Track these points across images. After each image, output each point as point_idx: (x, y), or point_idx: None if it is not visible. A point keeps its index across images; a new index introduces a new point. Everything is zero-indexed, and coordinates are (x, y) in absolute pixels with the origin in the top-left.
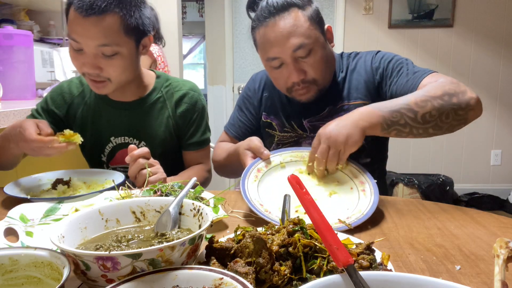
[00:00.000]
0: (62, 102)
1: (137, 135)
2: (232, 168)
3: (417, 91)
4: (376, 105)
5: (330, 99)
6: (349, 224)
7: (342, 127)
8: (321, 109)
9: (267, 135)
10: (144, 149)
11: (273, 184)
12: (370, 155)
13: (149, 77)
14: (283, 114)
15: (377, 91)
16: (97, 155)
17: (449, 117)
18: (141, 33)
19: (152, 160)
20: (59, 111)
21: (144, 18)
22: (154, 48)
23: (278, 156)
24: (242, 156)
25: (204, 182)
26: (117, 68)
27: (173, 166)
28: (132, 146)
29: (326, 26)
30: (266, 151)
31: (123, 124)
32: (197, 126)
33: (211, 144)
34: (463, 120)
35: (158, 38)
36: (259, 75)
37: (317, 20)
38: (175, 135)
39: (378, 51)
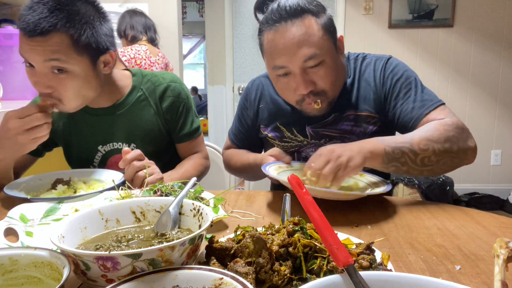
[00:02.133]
0: None
1: (125, 138)
2: (250, 175)
3: (421, 131)
4: (381, 139)
5: (337, 105)
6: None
7: (347, 149)
8: (326, 116)
9: (268, 143)
10: (137, 152)
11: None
12: None
13: (125, 78)
14: (282, 123)
15: (383, 105)
16: (87, 166)
17: (445, 164)
18: (96, 50)
19: (147, 161)
20: None
21: (100, 36)
22: (127, 50)
23: (299, 164)
24: (264, 160)
25: (204, 170)
26: (68, 88)
27: (168, 162)
28: (126, 149)
29: (338, 36)
30: (288, 157)
31: (109, 130)
32: (186, 117)
33: (212, 144)
34: (455, 166)
35: (152, 40)
36: (255, 83)
37: (330, 29)
38: (165, 131)
39: (389, 59)
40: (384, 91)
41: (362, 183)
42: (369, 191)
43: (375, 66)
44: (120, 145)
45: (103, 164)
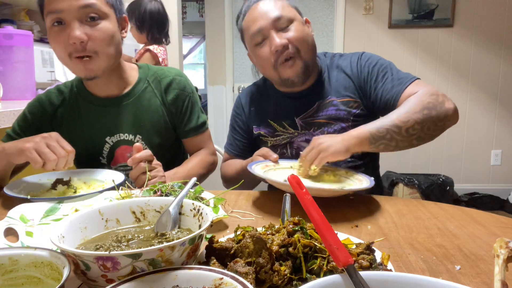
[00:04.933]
0: (44, 115)
1: (132, 129)
2: (247, 180)
3: (399, 109)
4: (364, 125)
5: (318, 94)
6: (343, 189)
7: (332, 138)
8: (311, 104)
9: (261, 142)
10: (147, 152)
11: (277, 176)
12: None
13: (131, 69)
14: (272, 119)
15: (363, 91)
16: (95, 159)
17: (430, 129)
18: (118, 8)
19: (155, 163)
20: (43, 124)
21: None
22: (160, 51)
23: (288, 162)
24: (254, 160)
25: (211, 167)
26: (104, 36)
27: (172, 157)
28: (137, 145)
29: (304, 18)
30: (275, 155)
31: (116, 121)
32: (191, 111)
33: (215, 146)
34: (441, 129)
35: (165, 38)
36: (244, 92)
37: (295, 7)
38: (170, 124)
39: (363, 53)
40: (362, 78)
41: (349, 180)
42: (351, 187)
43: (351, 59)
44: (127, 136)
45: (111, 155)
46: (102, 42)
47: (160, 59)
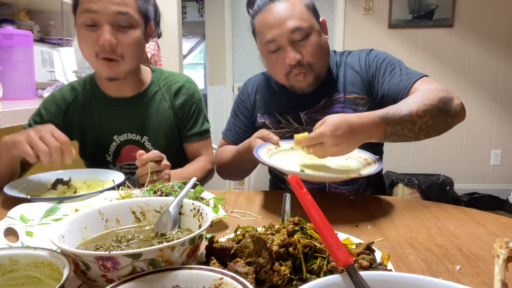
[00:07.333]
0: (57, 111)
1: (140, 130)
2: (239, 166)
3: (417, 97)
4: (383, 116)
5: (326, 91)
6: (359, 174)
7: (347, 139)
8: (317, 101)
9: None
10: (155, 153)
11: (282, 161)
12: (364, 148)
13: (145, 72)
14: (277, 110)
15: (370, 87)
16: (101, 156)
17: (439, 124)
18: (147, 18)
19: (164, 163)
20: (56, 120)
21: (150, 6)
22: (151, 45)
23: (287, 143)
24: (252, 143)
25: (209, 174)
26: (132, 43)
27: (177, 159)
28: (141, 152)
29: (321, 19)
30: (276, 137)
31: (125, 120)
32: (197, 117)
33: (212, 144)
34: (450, 125)
35: (156, 28)
36: (251, 80)
37: (312, 9)
38: (176, 127)
39: (372, 50)
40: (371, 73)
41: (354, 161)
42: (364, 172)
43: (359, 56)
44: (134, 136)
45: (117, 154)
46: (130, 47)
47: (149, 55)
